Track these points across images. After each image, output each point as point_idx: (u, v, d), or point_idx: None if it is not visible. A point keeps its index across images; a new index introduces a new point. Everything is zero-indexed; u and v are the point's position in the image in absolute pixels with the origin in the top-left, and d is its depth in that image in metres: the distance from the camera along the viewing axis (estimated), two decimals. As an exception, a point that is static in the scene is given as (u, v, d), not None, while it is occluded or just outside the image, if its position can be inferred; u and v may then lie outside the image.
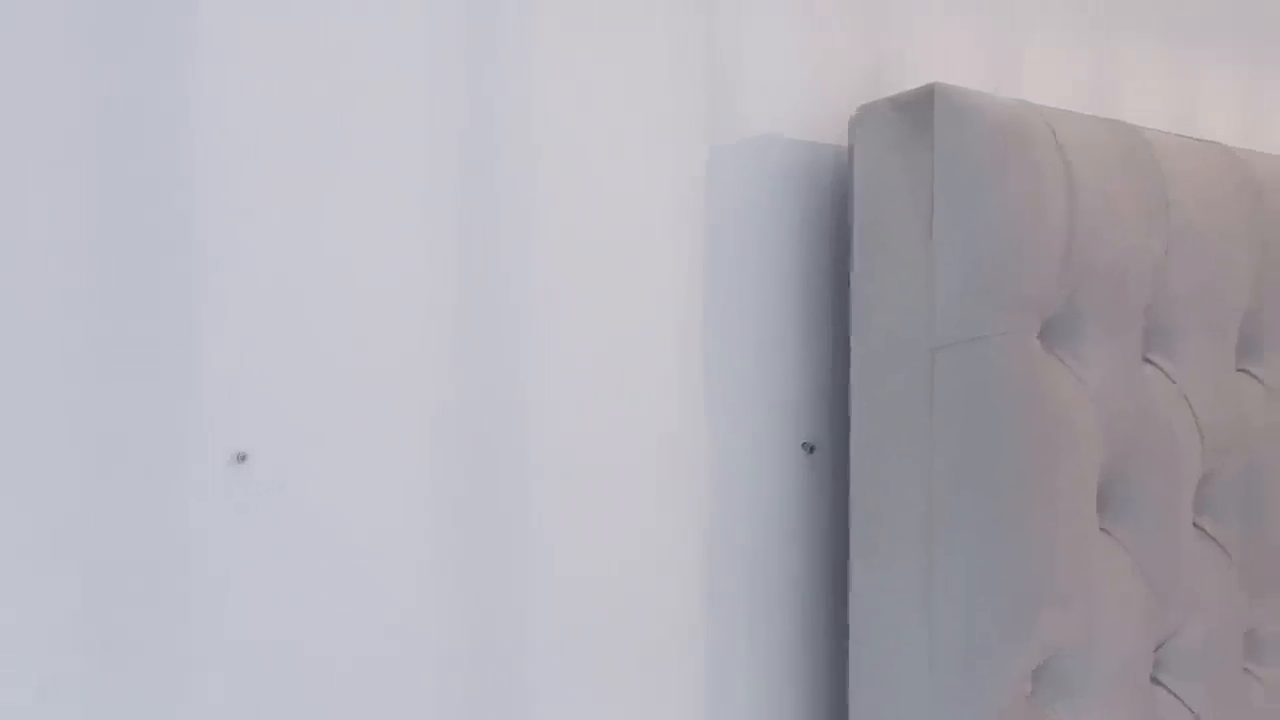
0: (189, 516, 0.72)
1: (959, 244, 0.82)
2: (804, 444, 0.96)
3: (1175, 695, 0.94)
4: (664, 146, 0.90)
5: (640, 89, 0.89)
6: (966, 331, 0.82)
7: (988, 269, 0.82)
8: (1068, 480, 0.84)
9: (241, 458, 0.74)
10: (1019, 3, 1.10)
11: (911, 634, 0.84)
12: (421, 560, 0.79)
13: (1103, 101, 1.16)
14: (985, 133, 0.82)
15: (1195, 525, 0.97)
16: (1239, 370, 1.01)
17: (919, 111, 0.84)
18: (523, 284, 0.84)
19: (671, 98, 0.90)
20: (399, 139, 0.78)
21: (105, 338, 0.69)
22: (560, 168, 0.85)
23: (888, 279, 0.86)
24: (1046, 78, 1.12)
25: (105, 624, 0.69)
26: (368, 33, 0.78)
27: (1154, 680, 0.94)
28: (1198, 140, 0.99)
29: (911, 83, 1.01)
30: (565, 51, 0.85)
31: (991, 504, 0.82)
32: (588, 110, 0.86)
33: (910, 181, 0.84)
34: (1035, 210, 0.82)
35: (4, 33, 0.66)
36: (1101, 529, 0.89)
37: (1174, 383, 0.93)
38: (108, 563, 0.69)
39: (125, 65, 0.69)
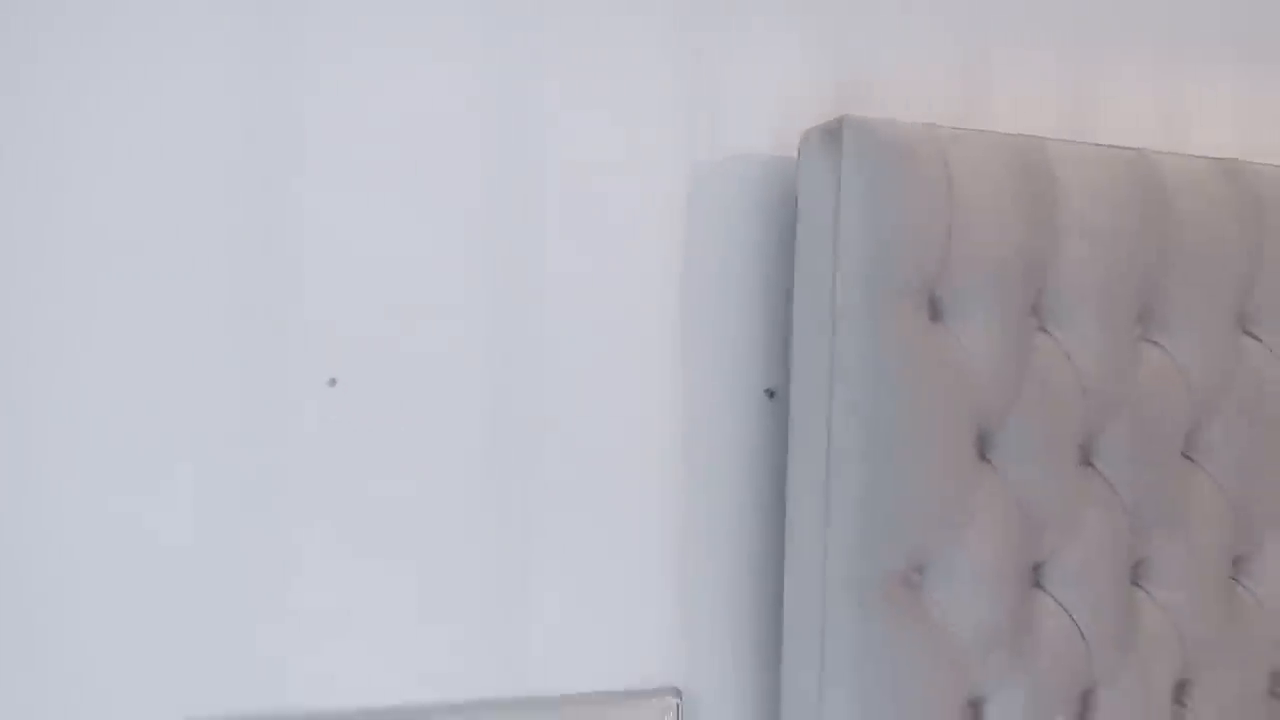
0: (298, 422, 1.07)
1: (856, 238, 1.07)
2: (766, 390, 1.24)
3: (1058, 601, 1.16)
4: (662, 158, 1.19)
5: (642, 114, 1.18)
6: (860, 305, 1.07)
7: (876, 258, 1.06)
8: (942, 421, 1.08)
9: (333, 382, 1.09)
10: (991, 25, 1.31)
11: (817, 536, 1.10)
12: (466, 455, 1.12)
13: (1082, 117, 1.36)
14: (879, 152, 1.06)
15: (1091, 465, 1.18)
16: (1146, 340, 1.20)
17: (835, 135, 1.09)
18: (539, 262, 1.15)
19: (670, 120, 1.19)
20: (435, 164, 1.11)
21: (233, 295, 1.05)
22: (570, 173, 1.15)
23: (814, 262, 1.11)
24: (1022, 97, 1.33)
25: (219, 502, 1.05)
26: (410, 83, 1.10)
27: (1038, 585, 1.16)
28: (1103, 147, 1.18)
29: (878, 107, 1.25)
30: (575, 88, 1.15)
31: (876, 438, 1.07)
32: (593, 129, 1.16)
33: (829, 188, 1.09)
34: (917, 213, 1.06)
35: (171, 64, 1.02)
36: (985, 461, 1.12)
37: (1063, 349, 1.14)
38: (226, 462, 1.05)
39: (255, 98, 1.05)
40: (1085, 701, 1.19)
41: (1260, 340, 1.25)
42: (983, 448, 1.13)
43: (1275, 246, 1.26)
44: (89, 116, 1.01)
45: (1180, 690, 1.24)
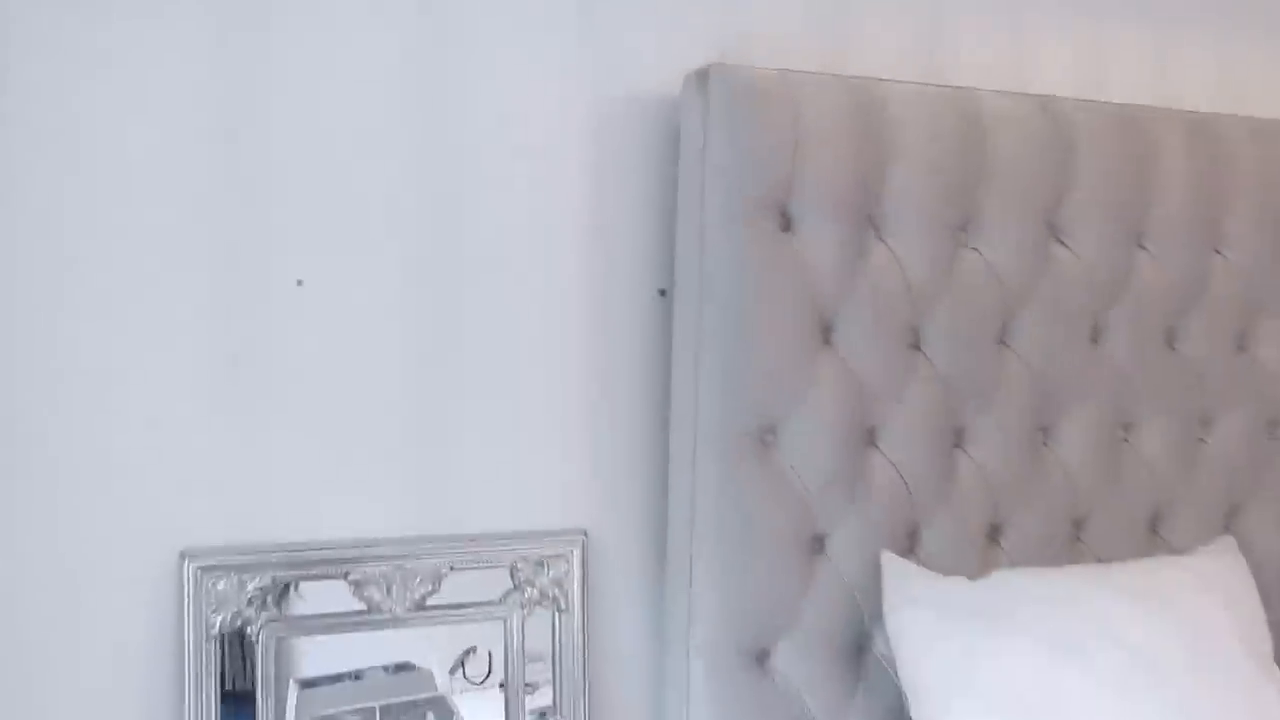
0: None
1: (719, 165, 1.33)
2: (659, 289, 1.50)
3: (887, 458, 1.44)
4: (576, 99, 1.44)
5: (561, 64, 1.42)
6: (723, 218, 1.33)
7: (735, 180, 1.32)
8: (789, 311, 1.35)
9: (300, 282, 1.35)
10: None
11: (691, 404, 1.37)
12: (401, 341, 1.39)
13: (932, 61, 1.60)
14: (739, 94, 1.32)
15: (918, 349, 1.45)
16: (965, 247, 1.46)
17: (705, 79, 1.34)
18: (472, 189, 1.40)
19: (580, 69, 1.43)
20: (381, 105, 1.36)
21: (215, 208, 1.30)
22: (495, 109, 1.40)
23: (689, 185, 1.37)
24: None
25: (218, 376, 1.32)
26: (336, 57, 1.34)
27: (871, 445, 1.44)
28: (933, 87, 1.44)
29: (752, 54, 1.49)
30: (501, 41, 1.39)
31: (735, 325, 1.34)
32: (521, 76, 1.41)
33: (699, 124, 1.35)
34: (769, 143, 1.32)
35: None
36: (827, 344, 1.39)
37: (894, 254, 1.41)
38: (226, 340, 1.31)
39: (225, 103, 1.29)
40: (911, 538, 1.48)
41: (1068, 247, 1.52)
42: (825, 334, 1.40)
43: (1086, 170, 1.52)
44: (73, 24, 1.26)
45: (994, 531, 1.53)
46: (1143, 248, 1.57)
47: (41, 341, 1.25)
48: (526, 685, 1.46)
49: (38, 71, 1.24)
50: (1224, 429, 1.65)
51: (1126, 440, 1.60)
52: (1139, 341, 1.57)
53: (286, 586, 1.33)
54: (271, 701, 1.32)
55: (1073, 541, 1.58)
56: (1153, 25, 1.75)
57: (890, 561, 1.42)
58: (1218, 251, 1.62)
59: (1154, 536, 1.63)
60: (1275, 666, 1.42)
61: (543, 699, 1.49)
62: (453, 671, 1.43)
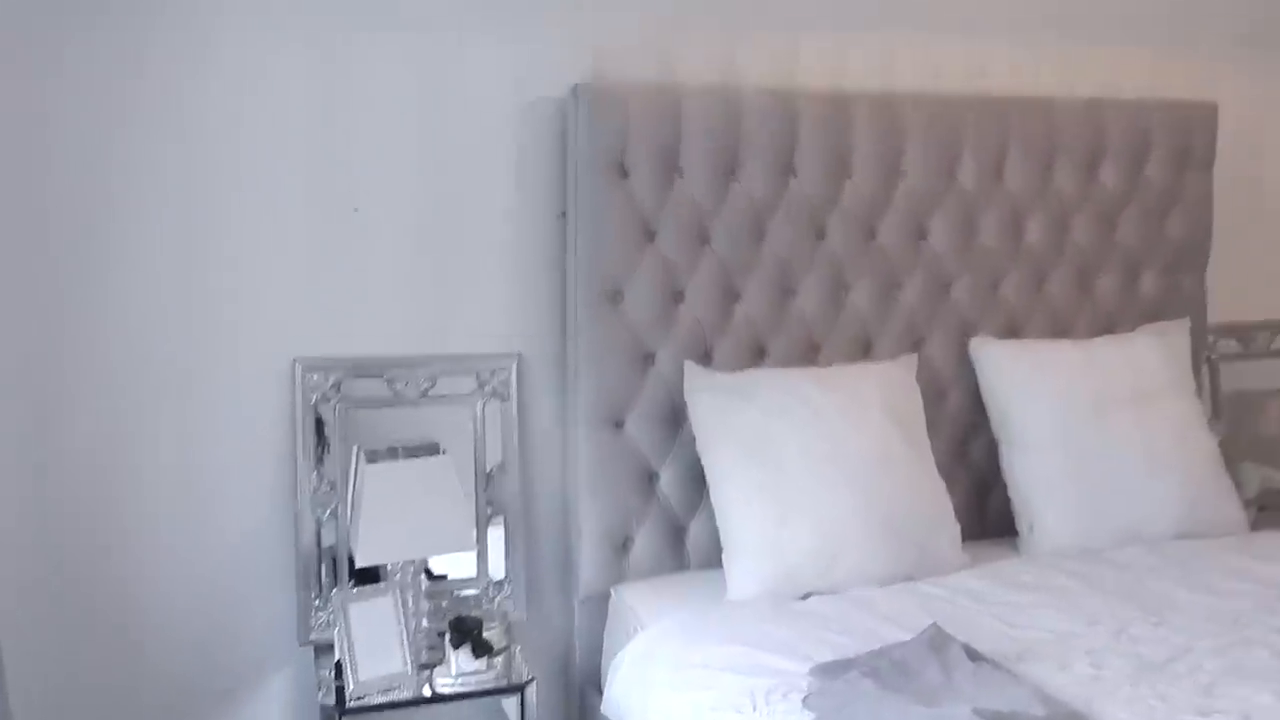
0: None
1: (583, 140, 2.35)
2: (560, 213, 2.51)
3: (689, 308, 2.48)
4: (499, 97, 2.45)
5: (481, 71, 2.42)
6: (586, 170, 2.36)
7: (591, 149, 2.35)
8: (621, 221, 2.38)
9: (355, 209, 2.38)
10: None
11: (575, 275, 2.42)
12: (416, 240, 2.43)
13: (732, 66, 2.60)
14: (594, 100, 2.35)
15: (707, 244, 2.48)
16: (736, 182, 2.48)
17: (576, 90, 2.36)
18: (454, 150, 2.42)
19: (500, 74, 2.43)
20: (371, 103, 2.37)
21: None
22: (452, 102, 2.41)
23: (572, 151, 2.41)
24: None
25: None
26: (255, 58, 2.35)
27: (679, 301, 2.48)
28: (717, 86, 2.45)
29: (625, 65, 2.49)
30: (430, 56, 2.40)
31: (595, 228, 2.38)
32: (456, 81, 2.41)
33: (574, 117, 2.37)
34: (610, 129, 2.35)
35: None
36: (650, 242, 2.43)
37: (688, 188, 2.43)
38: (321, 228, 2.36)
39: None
40: (706, 357, 2.52)
41: (798, 178, 2.55)
42: (649, 236, 2.44)
43: (807, 133, 2.53)
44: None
45: (759, 353, 2.58)
46: (848, 177, 2.59)
47: (214, 228, 2.33)
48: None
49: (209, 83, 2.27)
50: (909, 288, 2.69)
51: (844, 297, 2.63)
52: (847, 235, 2.61)
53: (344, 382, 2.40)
54: (342, 447, 2.39)
55: (810, 361, 2.63)
56: (878, 32, 2.73)
57: (689, 366, 2.47)
58: (900, 176, 2.64)
59: (865, 356, 2.66)
60: (907, 421, 2.47)
61: (495, 457, 2.56)
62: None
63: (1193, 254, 2.97)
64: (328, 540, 2.44)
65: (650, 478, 2.51)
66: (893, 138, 2.63)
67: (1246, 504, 2.78)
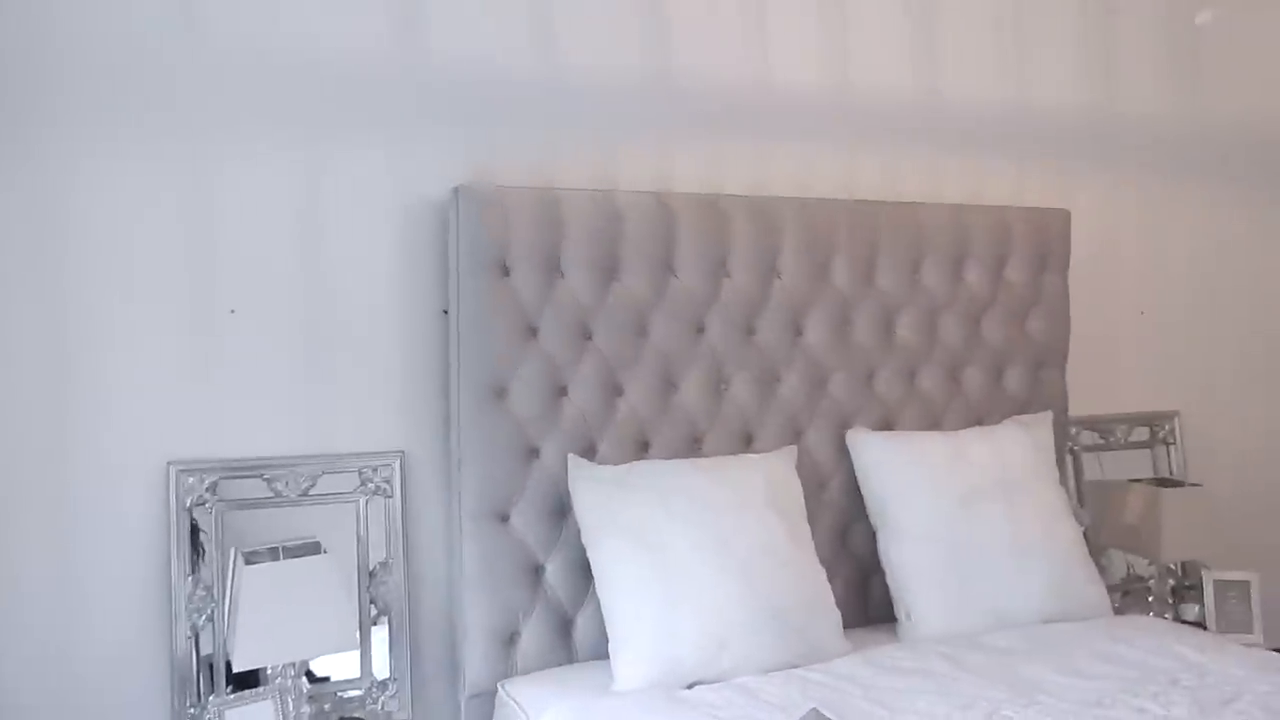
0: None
1: (464, 241, 2.41)
2: (443, 310, 2.55)
3: (573, 402, 2.52)
4: (393, 199, 2.49)
5: (368, 177, 2.47)
6: (468, 270, 2.40)
7: (471, 249, 2.40)
8: (504, 319, 2.43)
9: (232, 310, 2.37)
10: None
11: (458, 374, 2.44)
12: (297, 341, 2.43)
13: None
14: (474, 201, 2.41)
15: (589, 339, 2.54)
16: (617, 281, 2.55)
17: (457, 191, 2.42)
18: (336, 248, 2.44)
19: (386, 180, 2.48)
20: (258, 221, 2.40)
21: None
22: (342, 204, 2.45)
23: (453, 250, 2.45)
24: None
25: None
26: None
27: (563, 395, 2.52)
28: (589, 190, 2.54)
29: (503, 169, 2.56)
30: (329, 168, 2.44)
31: (476, 322, 2.41)
32: (350, 189, 2.45)
33: (454, 217, 2.42)
34: (490, 229, 2.41)
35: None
36: (534, 339, 2.47)
37: (570, 287, 2.49)
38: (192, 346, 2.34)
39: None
40: (590, 451, 2.55)
41: (679, 277, 2.63)
42: (531, 333, 2.49)
43: (684, 233, 2.63)
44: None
45: (643, 446, 2.62)
46: (726, 276, 2.69)
47: (84, 330, 2.29)
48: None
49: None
50: (788, 382, 2.77)
51: (724, 390, 2.71)
52: (727, 331, 2.70)
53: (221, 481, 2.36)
54: (219, 551, 2.34)
55: (693, 453, 2.68)
56: (752, 140, 2.86)
57: (573, 459, 2.50)
58: (776, 276, 2.74)
59: (747, 448, 2.73)
60: (789, 511, 2.54)
61: (379, 554, 2.54)
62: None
63: (1053, 351, 3.12)
64: (205, 648, 2.37)
65: (536, 570, 2.51)
66: (768, 238, 2.74)
67: (1111, 589, 2.90)
